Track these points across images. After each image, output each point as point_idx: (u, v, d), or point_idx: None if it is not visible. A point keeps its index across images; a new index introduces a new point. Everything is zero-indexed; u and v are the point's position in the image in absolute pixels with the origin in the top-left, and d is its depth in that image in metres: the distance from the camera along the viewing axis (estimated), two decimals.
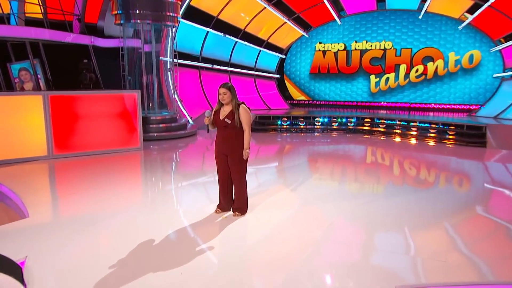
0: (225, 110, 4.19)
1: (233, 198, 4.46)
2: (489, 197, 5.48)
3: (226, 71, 14.59)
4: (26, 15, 10.21)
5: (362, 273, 3.21)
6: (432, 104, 14.44)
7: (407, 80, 14.67)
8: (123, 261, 3.37)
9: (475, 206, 5.01)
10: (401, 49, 14.63)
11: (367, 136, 11.30)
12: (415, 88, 14.67)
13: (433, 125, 10.60)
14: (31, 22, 9.96)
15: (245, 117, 4.12)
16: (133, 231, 4.02)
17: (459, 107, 13.93)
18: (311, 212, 4.66)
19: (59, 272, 3.23)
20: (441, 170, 7.10)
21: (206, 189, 5.58)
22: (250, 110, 4.18)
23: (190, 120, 11.75)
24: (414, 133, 10.83)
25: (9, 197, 5.36)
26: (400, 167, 7.41)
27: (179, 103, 11.62)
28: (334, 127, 12.10)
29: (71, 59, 9.72)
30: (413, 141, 10.40)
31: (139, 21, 9.86)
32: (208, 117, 4.17)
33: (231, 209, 4.49)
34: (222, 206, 4.51)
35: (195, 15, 12.45)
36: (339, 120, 12.16)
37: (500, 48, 13.11)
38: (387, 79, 15.02)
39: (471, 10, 12.99)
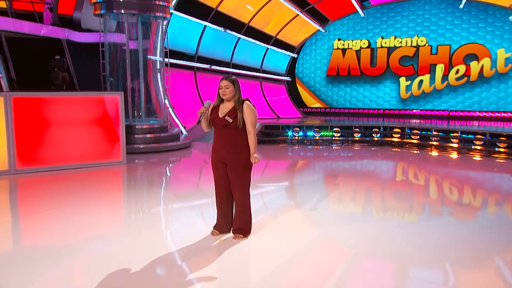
0: (225, 107, 4.18)
1: (234, 217, 4.40)
2: None
3: (227, 73, 14.72)
4: None
5: None
6: (477, 112, 14.38)
7: (445, 83, 14.67)
8: None
9: None
10: (437, 45, 14.69)
11: (396, 149, 11.28)
12: (455, 92, 14.66)
13: (478, 136, 10.52)
14: None
15: (250, 115, 4.11)
16: (113, 261, 3.94)
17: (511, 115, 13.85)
18: (328, 237, 4.63)
19: None
20: (490, 191, 7.01)
21: (201, 211, 5.56)
22: (255, 108, 4.18)
23: (184, 130, 11.79)
24: (455, 145, 10.76)
25: None
26: (438, 187, 7.33)
27: (170, 110, 11.69)
28: (356, 138, 12.14)
29: (40, 55, 9.84)
30: (454, 155, 10.33)
31: (123, 11, 10.01)
32: (206, 108, 4.16)
33: (231, 231, 4.45)
34: (220, 227, 4.45)
35: (190, 6, 12.67)
36: (362, 130, 12.16)
37: None
38: (421, 82, 15.04)
39: None
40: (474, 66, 14.16)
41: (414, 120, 13.86)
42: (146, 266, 3.78)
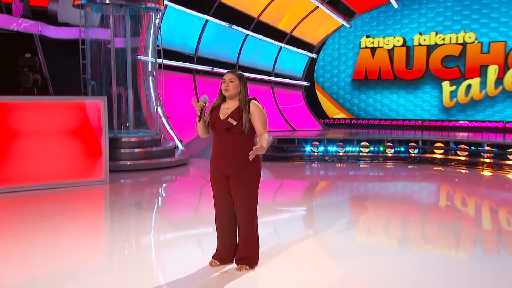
0: (228, 107, 4.19)
1: (237, 244, 4.38)
2: None
3: None
4: None
5: None
6: None
7: (500, 88, 14.60)
8: None
9: None
10: (489, 42, 14.66)
11: (439, 168, 11.19)
12: None
13: None
14: None
15: (260, 115, 4.12)
16: None
17: None
18: (350, 273, 4.57)
19: None
20: None
21: (200, 240, 5.55)
22: (264, 108, 4.19)
23: (180, 144, 11.85)
24: None
25: None
26: (493, 216, 7.21)
27: (163, 119, 11.77)
28: (389, 155, 12.10)
29: (7, 53, 9.95)
30: None
31: (107, 2, 10.17)
32: (204, 103, 4.17)
33: (234, 261, 4.43)
34: (221, 256, 4.42)
35: None
36: (396, 145, 12.12)
37: None
38: (469, 87, 14.99)
39: None
40: None
41: (460, 133, 13.78)
42: None
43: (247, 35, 14.89)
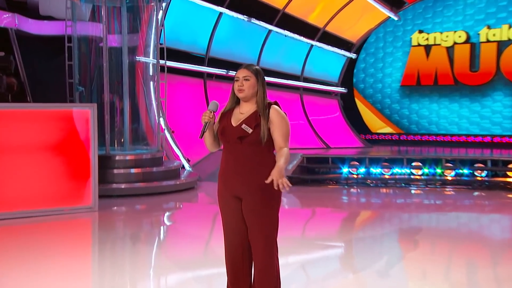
0: (242, 112, 4.16)
1: (253, 282, 4.31)
2: None
3: None
4: None
5: None
6: None
7: None
8: None
9: None
10: None
11: None
12: None
13: None
14: None
15: (281, 125, 4.06)
16: None
17: None
18: None
19: None
20: None
21: (210, 284, 5.54)
22: (287, 116, 4.13)
23: (187, 164, 11.85)
24: None
25: None
26: None
27: (167, 134, 11.78)
28: (449, 178, 11.99)
29: None
30: None
31: None
32: (213, 112, 4.13)
33: None
34: None
35: None
36: (458, 166, 12.00)
37: None
38: None
39: None
40: None
41: None
42: None
43: (270, 31, 14.93)
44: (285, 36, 15.28)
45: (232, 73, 14.24)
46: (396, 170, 12.15)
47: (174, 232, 8.15)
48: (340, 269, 6.10)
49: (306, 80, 16.42)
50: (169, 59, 11.58)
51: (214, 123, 4.24)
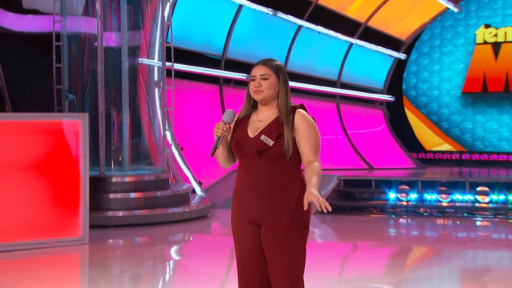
0: (260, 119, 4.09)
1: None
2: None
3: None
4: None
5: None
6: None
7: None
8: None
9: None
10: None
11: None
12: None
13: None
14: None
15: (309, 133, 3.99)
16: None
17: None
18: None
19: None
20: None
21: None
22: (316, 122, 4.05)
23: (198, 188, 11.82)
24: None
25: None
26: None
27: (174, 151, 11.79)
28: None
29: None
30: None
31: None
32: (227, 124, 4.04)
33: None
34: None
35: None
36: None
37: None
38: None
39: None
40: None
41: None
42: None
43: (300, 26, 14.94)
44: (319, 33, 15.29)
45: None
46: (457, 196, 11.93)
47: (183, 270, 8.08)
48: None
49: (344, 86, 16.40)
50: (177, 61, 11.61)
51: (229, 137, 4.18)
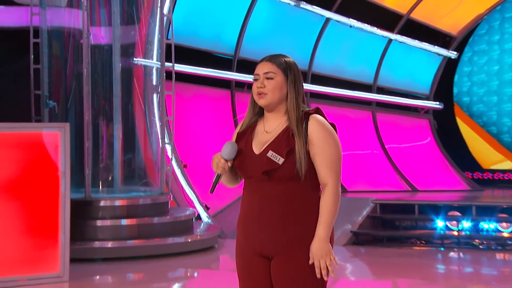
0: (267, 130, 4.05)
1: None
2: None
3: None
4: None
5: None
6: None
7: None
8: None
9: None
10: None
11: None
12: None
13: None
14: None
15: (324, 143, 3.91)
16: None
17: None
18: None
19: None
20: None
21: None
22: (336, 131, 3.98)
23: (204, 213, 11.91)
24: None
25: None
26: None
27: (176, 168, 11.87)
28: None
29: None
30: None
31: None
32: (226, 162, 3.98)
33: None
34: None
35: None
36: None
37: None
38: None
39: None
40: None
41: None
42: None
43: (328, 19, 15.07)
44: (351, 27, 15.38)
45: None
46: None
47: None
48: None
49: (381, 91, 16.47)
50: (180, 61, 11.68)
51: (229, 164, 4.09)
